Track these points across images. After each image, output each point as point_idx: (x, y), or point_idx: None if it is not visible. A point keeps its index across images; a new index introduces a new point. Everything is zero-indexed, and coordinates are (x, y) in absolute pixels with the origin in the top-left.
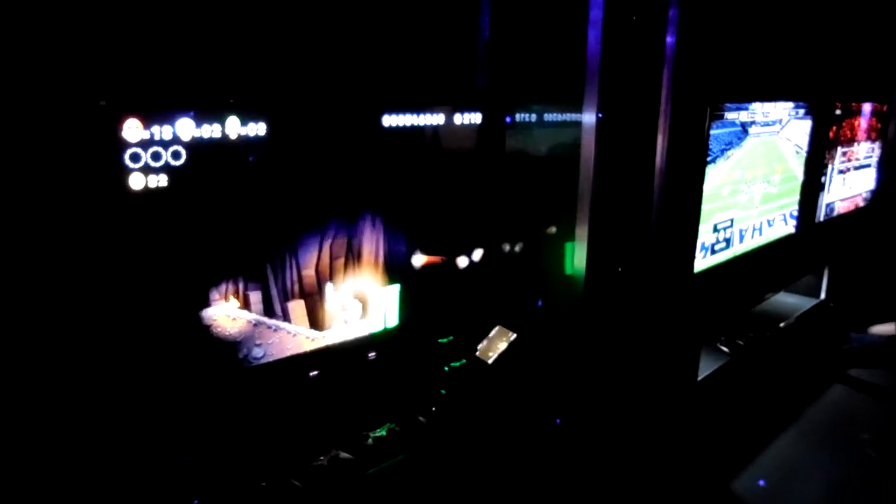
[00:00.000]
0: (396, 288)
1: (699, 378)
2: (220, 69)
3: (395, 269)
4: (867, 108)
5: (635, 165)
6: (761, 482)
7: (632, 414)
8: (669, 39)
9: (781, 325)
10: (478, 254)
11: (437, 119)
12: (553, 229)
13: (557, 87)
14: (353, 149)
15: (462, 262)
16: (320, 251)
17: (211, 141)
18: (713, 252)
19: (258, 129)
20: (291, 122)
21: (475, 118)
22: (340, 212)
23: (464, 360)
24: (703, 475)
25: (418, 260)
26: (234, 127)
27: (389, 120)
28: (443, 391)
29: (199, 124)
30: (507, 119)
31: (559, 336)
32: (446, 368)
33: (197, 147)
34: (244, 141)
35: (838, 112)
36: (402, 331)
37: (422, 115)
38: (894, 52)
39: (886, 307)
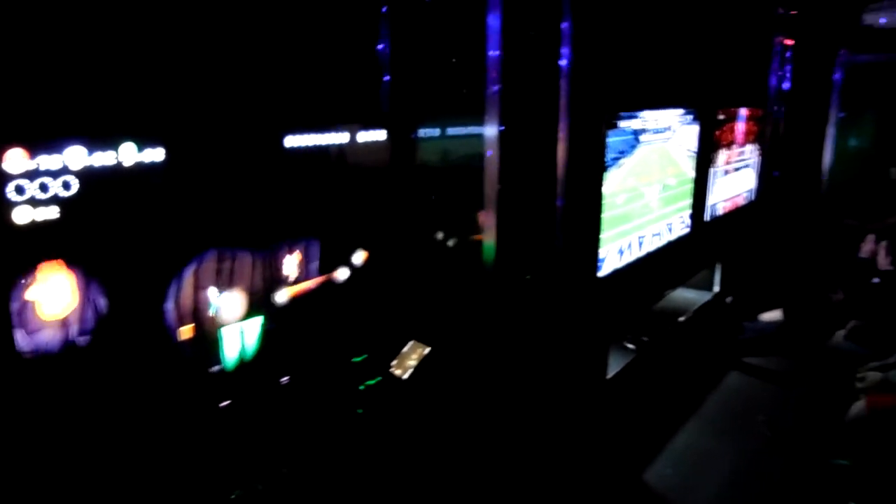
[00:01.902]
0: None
1: (609, 376)
2: (114, 93)
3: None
4: (745, 112)
5: (538, 175)
6: (670, 470)
7: (547, 416)
8: (565, 52)
9: (681, 319)
10: (389, 269)
11: (341, 138)
12: (462, 241)
13: (460, 102)
14: (255, 171)
15: (374, 278)
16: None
17: (105, 169)
18: (617, 256)
19: (155, 154)
20: (191, 146)
21: (379, 135)
22: (243, 236)
23: (379, 378)
24: (616, 468)
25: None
26: (129, 153)
27: (292, 141)
28: (359, 410)
29: (91, 152)
30: (412, 135)
31: (473, 346)
32: (362, 387)
33: (89, 176)
34: (140, 168)
35: (721, 117)
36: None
37: (325, 135)
38: (767, 61)
39: (772, 296)
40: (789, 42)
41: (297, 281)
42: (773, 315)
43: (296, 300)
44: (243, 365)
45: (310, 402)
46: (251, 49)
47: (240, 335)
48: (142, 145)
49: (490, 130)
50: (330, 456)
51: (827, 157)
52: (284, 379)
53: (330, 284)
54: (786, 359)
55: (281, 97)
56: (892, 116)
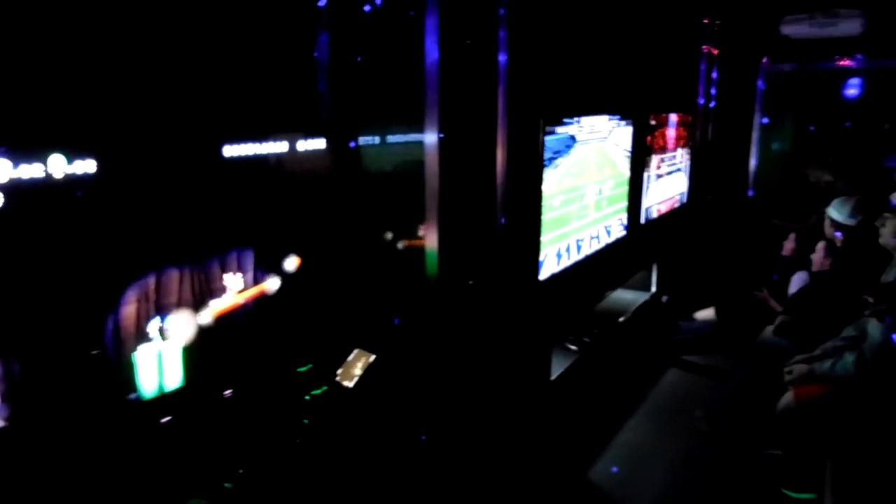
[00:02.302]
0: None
1: (552, 377)
2: (41, 103)
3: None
4: (675, 118)
5: (478, 181)
6: (614, 468)
7: (493, 419)
8: (502, 59)
9: (621, 319)
10: (331, 278)
11: (280, 147)
12: (404, 248)
13: (400, 110)
14: (193, 182)
15: (317, 287)
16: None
17: (33, 182)
18: (557, 262)
19: (87, 166)
20: (126, 157)
21: (319, 144)
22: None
23: (325, 388)
24: (562, 467)
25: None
26: (58, 165)
27: (230, 150)
28: (305, 420)
29: (16, 164)
30: (352, 143)
31: (417, 352)
32: (307, 397)
33: (16, 189)
34: (71, 180)
35: (653, 123)
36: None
37: (264, 144)
38: (695, 69)
39: (706, 294)
40: (715, 51)
41: (236, 292)
42: (706, 313)
43: (235, 311)
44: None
45: (254, 414)
46: (188, 59)
47: (173, 351)
48: (71, 157)
49: (429, 137)
50: (277, 468)
51: (753, 160)
52: (227, 392)
53: (270, 295)
54: (720, 355)
55: (219, 107)
56: (811, 122)
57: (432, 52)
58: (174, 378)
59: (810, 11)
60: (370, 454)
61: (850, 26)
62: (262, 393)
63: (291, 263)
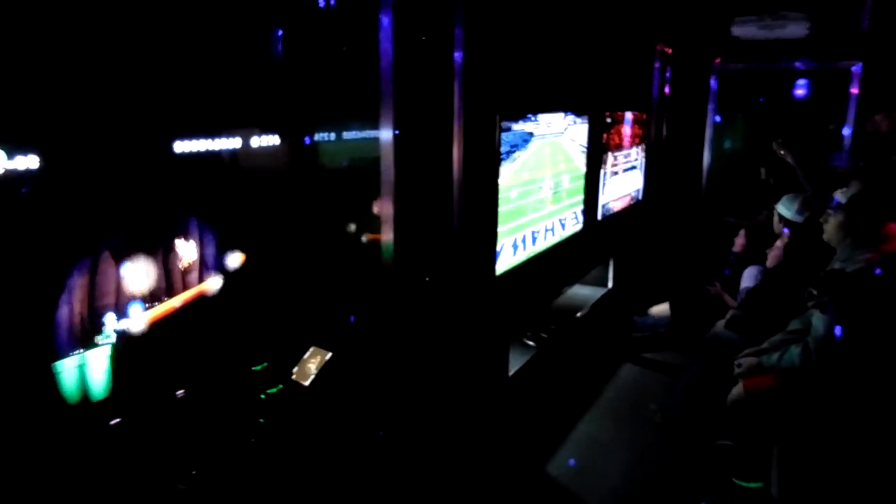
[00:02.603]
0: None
1: (511, 373)
2: None
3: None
4: (630, 116)
5: (434, 178)
6: (571, 461)
7: (451, 415)
8: (457, 56)
9: (578, 314)
10: (287, 274)
11: (234, 143)
12: (361, 245)
13: (356, 107)
14: (143, 178)
15: (272, 284)
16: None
17: None
18: (513, 254)
19: (29, 162)
20: (71, 153)
21: (273, 140)
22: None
23: (280, 386)
24: (520, 461)
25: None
26: None
27: (182, 146)
28: (261, 419)
29: None
30: (307, 140)
31: (374, 349)
32: (263, 396)
33: None
34: (12, 176)
35: (608, 120)
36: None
37: (217, 140)
38: (650, 68)
39: (660, 290)
40: (669, 50)
41: (186, 289)
42: (661, 308)
43: (185, 310)
44: (132, 381)
45: (208, 414)
46: (139, 54)
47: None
48: (12, 152)
49: (385, 134)
50: (231, 468)
51: (706, 158)
52: (179, 392)
53: (222, 293)
54: (674, 349)
55: (170, 103)
56: (761, 121)
57: (387, 48)
58: (122, 378)
59: (759, 14)
60: (327, 452)
61: (796, 29)
62: (215, 393)
63: (244, 261)
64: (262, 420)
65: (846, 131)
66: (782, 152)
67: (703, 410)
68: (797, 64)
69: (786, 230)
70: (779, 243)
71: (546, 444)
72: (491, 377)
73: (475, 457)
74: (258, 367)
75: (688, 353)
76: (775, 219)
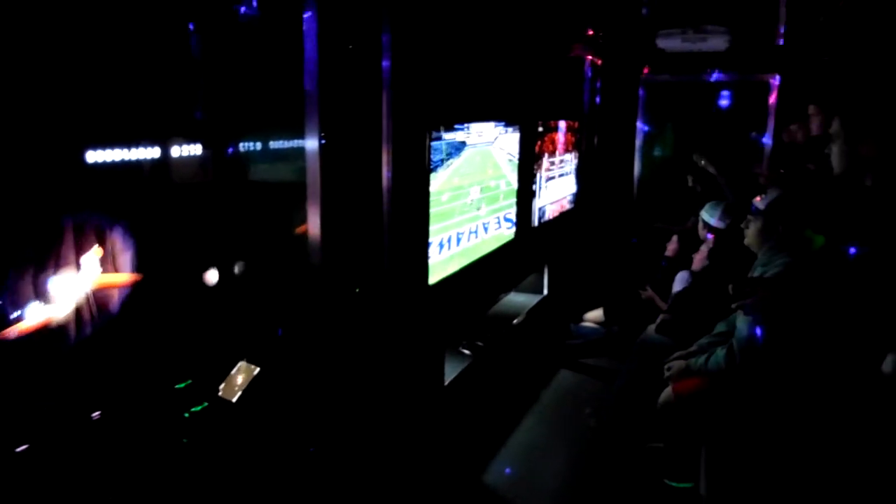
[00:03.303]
0: None
1: (446, 382)
2: None
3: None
4: (562, 125)
5: (363, 187)
6: (508, 469)
7: (385, 428)
8: (385, 65)
9: (514, 322)
10: (209, 288)
11: (152, 153)
12: (289, 257)
13: (282, 116)
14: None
15: (194, 297)
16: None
17: None
18: (445, 262)
19: None
20: None
21: (194, 150)
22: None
23: (206, 404)
24: (457, 471)
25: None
26: None
27: (94, 156)
28: (185, 440)
29: None
30: (231, 149)
31: (305, 363)
32: (186, 415)
33: None
34: None
35: (540, 129)
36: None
37: (134, 150)
38: (581, 78)
39: (594, 295)
40: (599, 61)
41: (100, 305)
42: (595, 314)
43: (102, 326)
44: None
45: (127, 436)
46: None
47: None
48: None
49: (310, 143)
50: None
51: (636, 166)
52: (95, 414)
53: (141, 307)
54: (608, 355)
55: (82, 110)
56: (688, 130)
57: (311, 56)
58: (30, 399)
59: (682, 27)
60: (256, 470)
61: (717, 42)
62: (135, 413)
63: (165, 273)
64: (185, 440)
65: (766, 140)
66: (703, 162)
67: (635, 413)
68: (719, 75)
69: (710, 236)
70: (703, 248)
71: (483, 452)
72: (426, 387)
73: (411, 469)
74: (182, 385)
75: (621, 357)
76: (700, 225)
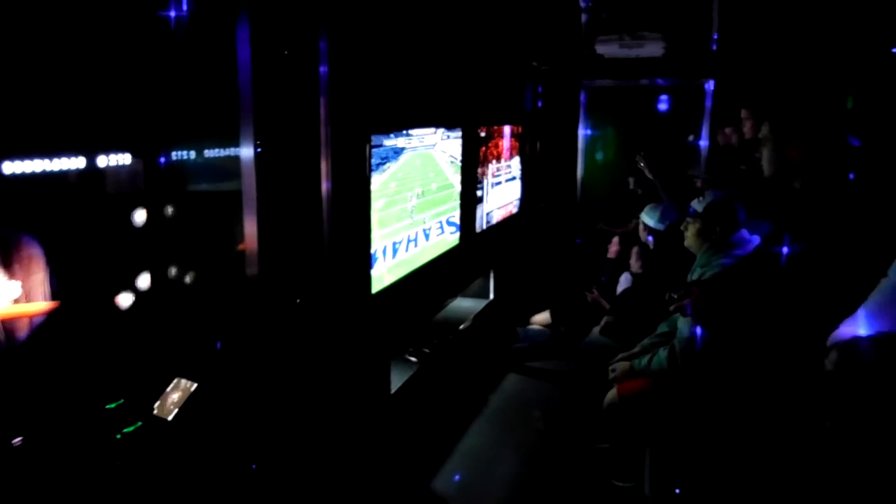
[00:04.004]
0: None
1: (393, 391)
2: None
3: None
4: (507, 130)
5: (301, 196)
6: (457, 476)
7: (330, 440)
8: (323, 71)
9: (461, 327)
10: (140, 302)
11: (77, 163)
12: (224, 268)
13: (216, 124)
14: None
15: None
16: None
17: None
18: (388, 269)
19: None
20: None
21: (124, 159)
22: None
23: (139, 423)
24: (406, 480)
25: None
26: None
27: (12, 167)
28: (117, 462)
29: None
30: (163, 158)
31: (244, 377)
32: (118, 436)
33: None
34: None
35: (483, 134)
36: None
37: (57, 160)
38: (524, 83)
39: (541, 299)
40: (541, 67)
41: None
42: (542, 317)
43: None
44: None
45: (54, 462)
46: None
47: None
48: None
49: (245, 151)
50: None
51: (579, 169)
52: (16, 440)
53: (68, 325)
54: (555, 357)
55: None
56: (629, 134)
57: (245, 62)
58: None
59: (620, 33)
60: (196, 490)
61: (653, 48)
62: (61, 438)
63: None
64: (117, 462)
65: (703, 143)
66: (642, 165)
67: (581, 415)
68: (657, 80)
69: (650, 237)
70: (634, 250)
71: (432, 459)
72: (372, 397)
73: (359, 480)
74: (113, 405)
75: (568, 359)
76: (640, 227)
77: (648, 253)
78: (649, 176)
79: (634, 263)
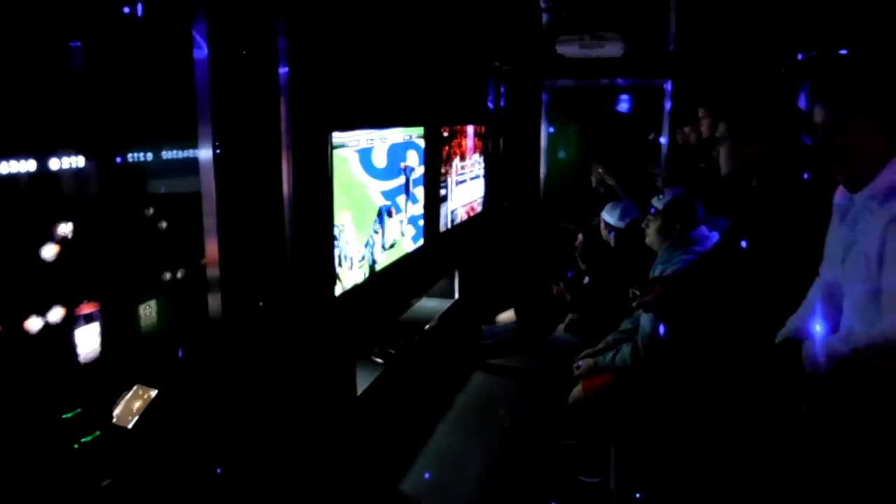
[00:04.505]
0: None
1: (359, 392)
2: None
3: None
4: (470, 129)
5: (262, 198)
6: (426, 475)
7: (296, 443)
8: (283, 71)
9: (426, 327)
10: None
11: (26, 166)
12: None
13: (175, 125)
14: None
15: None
16: None
17: None
18: (350, 270)
19: None
20: None
21: (77, 162)
22: None
23: (98, 433)
24: (374, 483)
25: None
26: None
27: None
28: (75, 472)
29: None
30: (119, 160)
31: (206, 382)
32: (76, 446)
33: None
34: None
35: (446, 134)
36: None
37: (4, 163)
38: (486, 83)
39: (505, 297)
40: (503, 66)
41: None
42: (507, 315)
43: None
44: None
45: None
46: None
47: None
48: None
49: (204, 153)
50: None
51: (542, 168)
52: None
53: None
54: (520, 354)
55: None
56: (590, 133)
57: (203, 62)
58: None
59: (580, 33)
60: (158, 498)
61: (613, 49)
62: (13, 451)
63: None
64: (75, 473)
65: (663, 141)
66: (601, 171)
67: (547, 412)
68: (617, 80)
69: (612, 234)
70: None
71: (400, 460)
72: (338, 399)
73: (327, 482)
74: (69, 415)
75: (533, 357)
76: (602, 225)
77: (606, 250)
78: (610, 182)
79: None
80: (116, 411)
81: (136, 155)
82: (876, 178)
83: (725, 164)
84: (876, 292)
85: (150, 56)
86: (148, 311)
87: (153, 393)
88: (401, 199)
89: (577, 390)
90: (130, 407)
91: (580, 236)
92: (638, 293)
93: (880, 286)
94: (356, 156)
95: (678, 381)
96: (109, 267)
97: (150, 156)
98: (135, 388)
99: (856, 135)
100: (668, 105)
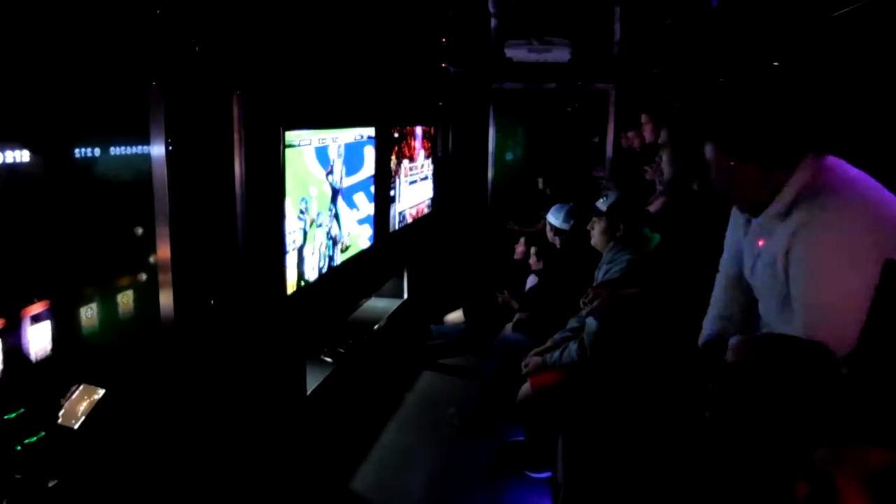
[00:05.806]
0: None
1: (309, 392)
2: None
3: None
4: (419, 130)
5: (214, 195)
6: (375, 476)
7: (244, 444)
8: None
9: (375, 327)
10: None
11: None
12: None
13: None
14: None
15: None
16: None
17: None
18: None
19: None
20: None
21: (22, 156)
22: None
23: (42, 433)
24: (324, 483)
25: None
26: None
27: None
28: (17, 476)
29: None
30: (67, 155)
31: (154, 381)
32: (19, 448)
33: None
34: None
35: (396, 135)
36: None
37: None
38: (435, 84)
39: (453, 297)
40: (452, 69)
41: None
42: (455, 315)
43: None
44: None
45: None
46: None
47: None
48: None
49: (156, 149)
50: None
51: (490, 170)
52: None
53: None
54: (468, 354)
55: None
56: (536, 135)
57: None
58: None
59: (528, 38)
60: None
61: (559, 54)
62: None
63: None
64: (18, 476)
65: (607, 145)
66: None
67: (496, 409)
68: (564, 85)
69: (557, 237)
70: (532, 250)
71: (350, 460)
72: (287, 398)
73: (276, 482)
74: (12, 416)
75: (482, 355)
76: (547, 227)
77: (553, 252)
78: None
79: (535, 264)
80: (62, 411)
81: (83, 150)
82: (773, 202)
83: (668, 168)
84: (787, 296)
85: (100, 47)
86: (95, 311)
87: (100, 393)
88: (359, 197)
89: (526, 388)
90: (77, 407)
91: (519, 248)
92: (587, 302)
93: (790, 291)
94: (311, 153)
95: (622, 377)
96: (58, 265)
97: (98, 151)
98: (81, 387)
99: (746, 178)
100: (612, 110)
